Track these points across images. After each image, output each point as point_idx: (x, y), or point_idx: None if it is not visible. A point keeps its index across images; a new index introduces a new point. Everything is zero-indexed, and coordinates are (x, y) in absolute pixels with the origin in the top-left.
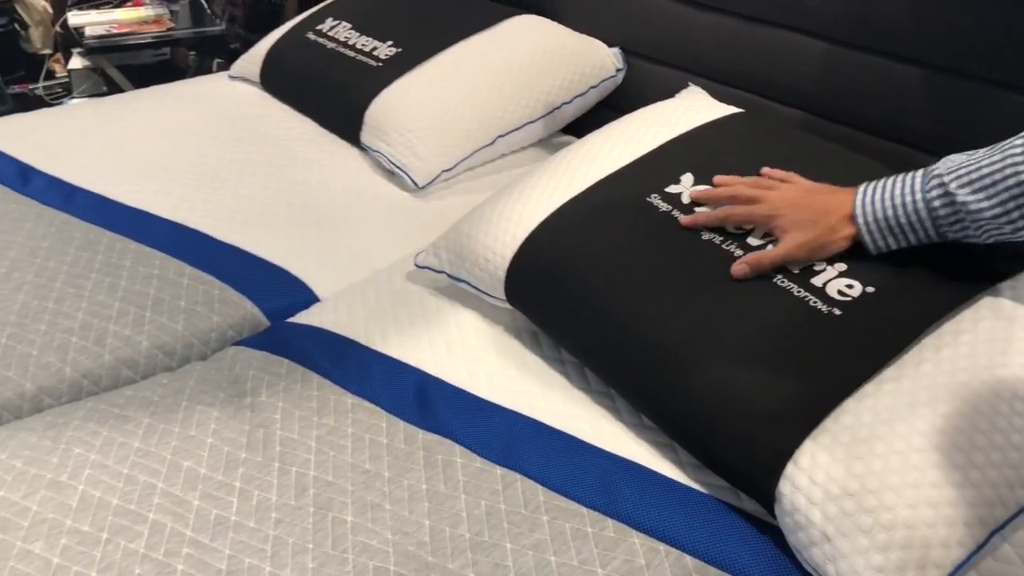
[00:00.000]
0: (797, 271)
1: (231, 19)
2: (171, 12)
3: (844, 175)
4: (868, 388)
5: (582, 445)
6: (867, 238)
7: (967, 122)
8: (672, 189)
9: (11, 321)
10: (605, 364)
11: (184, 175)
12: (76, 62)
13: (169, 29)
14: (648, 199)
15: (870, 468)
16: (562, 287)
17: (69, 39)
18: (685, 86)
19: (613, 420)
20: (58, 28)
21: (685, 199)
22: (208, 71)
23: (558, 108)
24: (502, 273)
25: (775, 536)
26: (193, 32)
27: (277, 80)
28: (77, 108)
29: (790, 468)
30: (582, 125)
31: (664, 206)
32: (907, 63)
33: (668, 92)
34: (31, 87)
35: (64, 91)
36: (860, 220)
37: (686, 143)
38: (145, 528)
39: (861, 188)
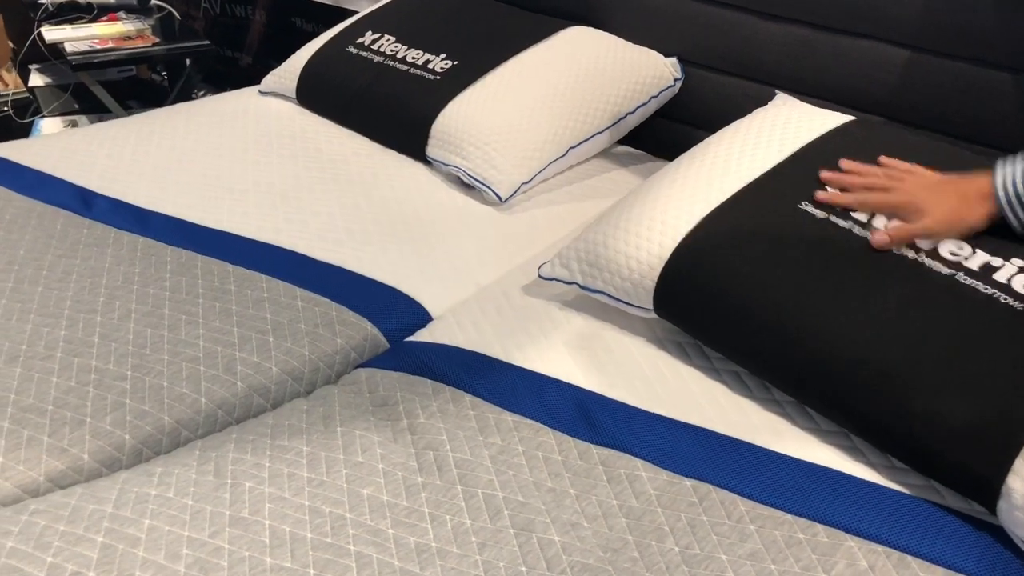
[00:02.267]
0: (977, 268)
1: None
2: (152, 27)
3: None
4: None
5: (767, 453)
6: (1009, 214)
7: None
8: (822, 196)
9: (131, 352)
10: (789, 376)
11: (253, 194)
12: (38, 79)
13: (153, 44)
14: (800, 206)
15: None
16: (727, 298)
17: (31, 55)
18: (747, 93)
19: (790, 425)
20: (10, 43)
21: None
22: (191, 87)
23: (623, 118)
24: (650, 283)
25: (992, 533)
26: (183, 47)
27: (317, 95)
28: (114, 128)
29: (1019, 463)
30: (638, 134)
31: (819, 213)
32: (997, 69)
33: (729, 100)
34: None
35: (17, 110)
36: (1002, 197)
37: (817, 151)
38: (352, 561)
39: (999, 167)
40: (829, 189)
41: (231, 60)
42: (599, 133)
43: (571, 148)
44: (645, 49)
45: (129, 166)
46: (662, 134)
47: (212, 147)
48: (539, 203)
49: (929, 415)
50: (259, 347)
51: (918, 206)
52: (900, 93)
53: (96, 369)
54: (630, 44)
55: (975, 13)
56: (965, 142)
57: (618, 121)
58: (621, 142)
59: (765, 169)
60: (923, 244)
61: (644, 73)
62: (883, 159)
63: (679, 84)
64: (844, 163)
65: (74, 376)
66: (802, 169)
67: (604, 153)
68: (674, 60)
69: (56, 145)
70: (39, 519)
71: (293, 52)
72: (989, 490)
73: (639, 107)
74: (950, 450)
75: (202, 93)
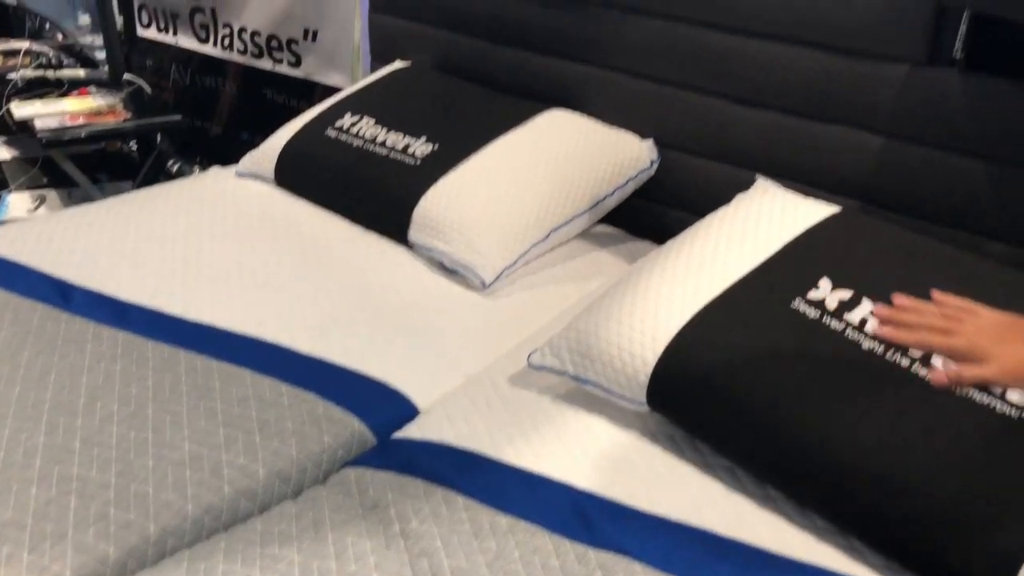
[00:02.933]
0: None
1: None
2: (123, 101)
3: (968, 277)
4: None
5: (765, 555)
6: None
7: None
8: (814, 295)
9: (114, 457)
10: (785, 475)
11: (236, 282)
12: (4, 153)
13: (125, 119)
14: (792, 305)
15: None
16: (722, 396)
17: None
18: (723, 176)
19: (787, 523)
20: None
21: (831, 304)
22: (163, 161)
23: (602, 200)
24: (644, 377)
25: None
26: (154, 122)
27: (296, 178)
28: (91, 214)
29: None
30: (617, 214)
31: (812, 312)
32: (970, 156)
33: (705, 182)
34: None
35: None
36: None
37: (807, 244)
38: None
39: None
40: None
41: (201, 130)
42: (579, 215)
43: (552, 231)
44: (622, 132)
45: (107, 255)
46: (640, 214)
47: (192, 232)
48: (522, 287)
49: (927, 520)
50: (245, 448)
51: (982, 353)
52: (876, 178)
53: (78, 477)
54: (607, 127)
55: (946, 103)
56: (942, 226)
57: (597, 203)
58: (600, 221)
59: (755, 264)
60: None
61: (621, 155)
62: (937, 296)
63: (655, 166)
64: (897, 299)
65: (54, 486)
66: (792, 265)
67: (584, 233)
68: (650, 142)
69: (31, 232)
70: None
71: (264, 123)
72: None
73: (617, 189)
74: (948, 555)
75: (173, 164)
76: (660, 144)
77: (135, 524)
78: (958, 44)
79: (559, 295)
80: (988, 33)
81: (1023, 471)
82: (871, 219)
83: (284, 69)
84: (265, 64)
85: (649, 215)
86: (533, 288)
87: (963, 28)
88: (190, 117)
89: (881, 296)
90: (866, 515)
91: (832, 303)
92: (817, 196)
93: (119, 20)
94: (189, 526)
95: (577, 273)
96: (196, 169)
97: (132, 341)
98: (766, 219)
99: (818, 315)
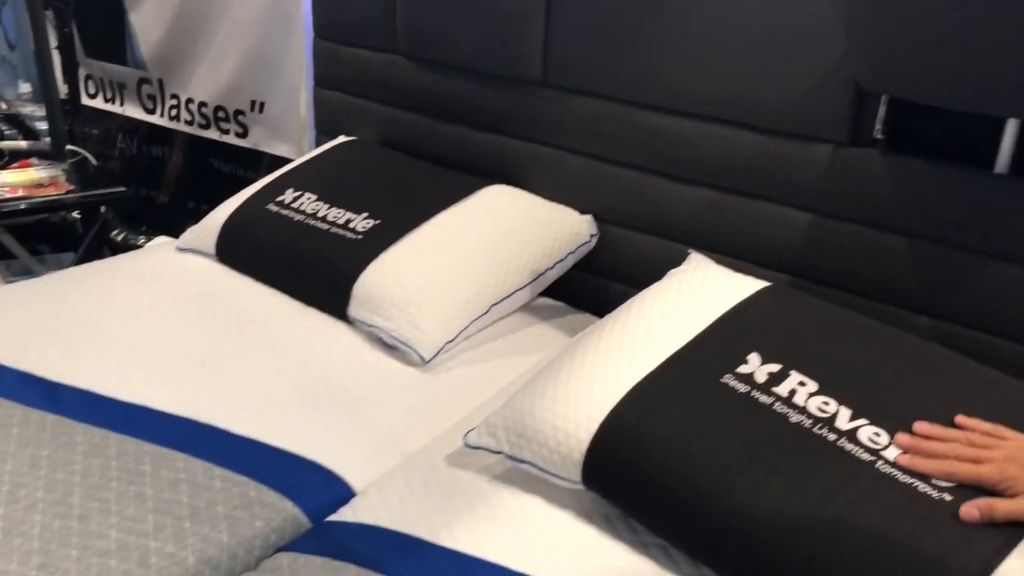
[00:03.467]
0: (893, 458)
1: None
2: (64, 172)
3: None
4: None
5: None
6: None
7: (955, 286)
8: (743, 369)
9: (35, 548)
10: (716, 554)
11: (172, 361)
12: None
13: (68, 191)
14: (722, 380)
15: None
16: (656, 473)
17: None
18: (661, 250)
19: None
20: None
21: (759, 378)
22: (107, 232)
23: (542, 274)
24: (578, 455)
25: None
26: (98, 194)
27: (238, 253)
28: (24, 290)
29: None
30: (558, 287)
31: (742, 387)
32: (894, 232)
33: (643, 256)
34: None
35: None
36: None
37: (736, 319)
38: None
39: None
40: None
41: (148, 199)
42: (520, 289)
43: (493, 305)
44: (562, 207)
45: (40, 334)
46: (582, 287)
47: (129, 310)
48: (463, 362)
49: None
50: (175, 535)
51: (1012, 483)
52: (805, 254)
53: None
54: (548, 202)
55: (867, 181)
56: (869, 300)
57: (538, 277)
58: (542, 295)
59: (687, 339)
60: (866, 441)
61: (562, 230)
62: (961, 420)
63: (595, 240)
64: (919, 427)
65: None
66: (722, 340)
67: (526, 307)
68: (590, 217)
69: None
70: None
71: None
72: None
73: (557, 263)
74: None
75: (119, 234)
76: (600, 219)
77: None
78: (878, 126)
79: (500, 370)
80: (906, 115)
81: (945, 551)
82: (800, 294)
83: (231, 139)
84: (212, 134)
85: (590, 288)
86: (474, 363)
87: (882, 110)
88: (137, 186)
89: (808, 369)
90: None
91: (761, 377)
92: (751, 271)
93: (63, 89)
94: None
95: (518, 347)
96: (142, 239)
97: (61, 424)
98: (698, 294)
99: (747, 389)
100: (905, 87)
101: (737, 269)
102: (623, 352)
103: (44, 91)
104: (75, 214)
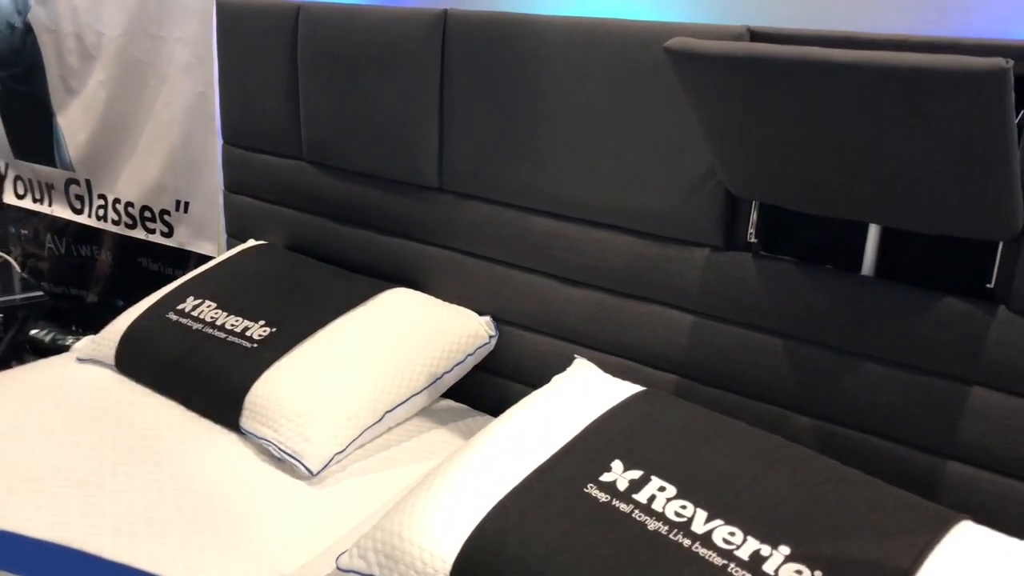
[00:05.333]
0: (747, 558)
1: (34, 272)
2: None
3: (747, 452)
4: None
5: None
6: None
7: (829, 386)
8: (606, 478)
9: None
10: None
11: (51, 483)
12: None
13: None
14: (586, 490)
15: None
16: None
17: None
18: (556, 351)
19: None
20: None
21: (621, 486)
22: (23, 336)
23: (440, 378)
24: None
25: None
26: (15, 299)
27: (136, 363)
28: None
29: None
30: (459, 388)
31: (603, 496)
32: (770, 333)
33: (540, 356)
34: None
35: None
36: None
37: (604, 427)
38: None
39: None
40: None
41: (76, 298)
42: (416, 394)
43: (387, 412)
44: (461, 309)
45: None
46: (483, 388)
47: (16, 428)
48: (353, 472)
49: None
50: None
51: None
52: (690, 354)
53: None
54: (447, 304)
55: (744, 285)
56: (752, 400)
57: (435, 380)
58: (443, 396)
59: (557, 447)
60: (720, 543)
61: (460, 332)
62: None
63: (494, 341)
64: None
65: None
66: (589, 448)
67: (425, 410)
68: (488, 319)
69: None
70: None
71: (139, 290)
72: None
73: (456, 365)
74: None
75: (47, 335)
76: (498, 320)
77: None
78: (751, 230)
79: (391, 480)
80: (778, 220)
81: None
82: (672, 398)
83: (157, 239)
84: (139, 233)
85: (491, 388)
86: (365, 473)
87: (754, 215)
88: (66, 286)
89: (668, 474)
90: None
91: (622, 485)
92: (640, 372)
93: None
94: None
95: (412, 454)
96: (71, 339)
97: None
98: (575, 401)
99: (608, 498)
100: (770, 195)
101: (627, 370)
102: (492, 465)
103: None
104: None
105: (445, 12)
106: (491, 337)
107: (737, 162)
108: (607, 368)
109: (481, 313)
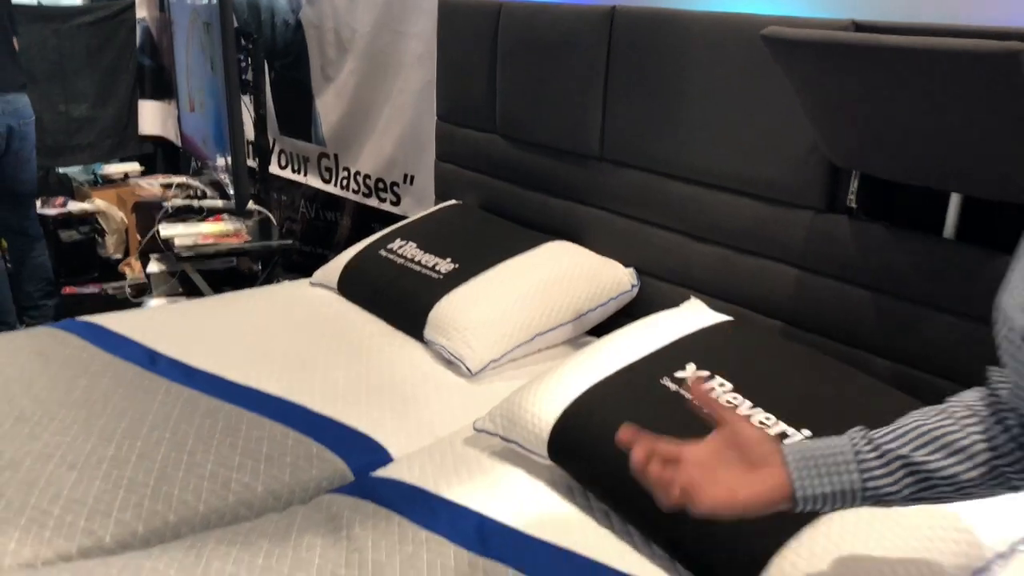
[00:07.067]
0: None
1: (289, 232)
2: (247, 226)
3: (803, 366)
4: None
5: (611, 571)
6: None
7: (908, 334)
8: (679, 374)
9: (156, 467)
10: (634, 512)
11: (282, 361)
12: (154, 267)
13: (246, 241)
14: (661, 382)
15: None
16: (596, 448)
17: (150, 247)
18: (685, 299)
19: (635, 552)
20: (138, 236)
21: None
22: (272, 278)
23: (584, 314)
24: (546, 435)
25: None
26: (266, 245)
27: (353, 288)
28: (184, 306)
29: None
30: (605, 328)
31: (673, 386)
32: (861, 287)
33: (673, 304)
34: (103, 287)
35: (135, 292)
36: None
37: (690, 339)
38: None
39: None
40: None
41: (321, 256)
42: (563, 325)
43: (537, 335)
44: (610, 260)
45: (191, 335)
46: None
47: (261, 326)
48: (504, 377)
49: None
50: (252, 472)
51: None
52: (792, 302)
53: (128, 477)
54: (598, 256)
55: (839, 245)
56: (840, 344)
57: (580, 316)
58: (589, 333)
59: (647, 352)
60: (756, 424)
61: (606, 278)
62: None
63: (636, 290)
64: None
65: (111, 482)
66: (671, 353)
67: (570, 341)
68: (632, 270)
69: (140, 317)
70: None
71: None
72: None
73: (600, 306)
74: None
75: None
76: (640, 272)
77: (160, 513)
78: (851, 196)
79: None
80: (875, 188)
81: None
82: (751, 327)
83: (387, 207)
84: (373, 202)
85: None
86: (512, 380)
87: (854, 183)
88: (313, 245)
89: (728, 374)
90: (682, 543)
91: (691, 379)
92: (751, 317)
93: (255, 162)
94: (199, 521)
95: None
96: None
97: (193, 395)
98: (675, 323)
99: (676, 388)
100: (867, 167)
101: (740, 315)
102: (593, 362)
103: (232, 162)
104: (258, 266)
105: (613, 8)
106: (633, 286)
107: (833, 136)
108: (725, 313)
109: (626, 265)
